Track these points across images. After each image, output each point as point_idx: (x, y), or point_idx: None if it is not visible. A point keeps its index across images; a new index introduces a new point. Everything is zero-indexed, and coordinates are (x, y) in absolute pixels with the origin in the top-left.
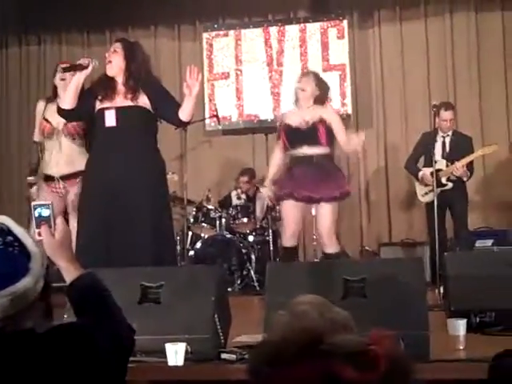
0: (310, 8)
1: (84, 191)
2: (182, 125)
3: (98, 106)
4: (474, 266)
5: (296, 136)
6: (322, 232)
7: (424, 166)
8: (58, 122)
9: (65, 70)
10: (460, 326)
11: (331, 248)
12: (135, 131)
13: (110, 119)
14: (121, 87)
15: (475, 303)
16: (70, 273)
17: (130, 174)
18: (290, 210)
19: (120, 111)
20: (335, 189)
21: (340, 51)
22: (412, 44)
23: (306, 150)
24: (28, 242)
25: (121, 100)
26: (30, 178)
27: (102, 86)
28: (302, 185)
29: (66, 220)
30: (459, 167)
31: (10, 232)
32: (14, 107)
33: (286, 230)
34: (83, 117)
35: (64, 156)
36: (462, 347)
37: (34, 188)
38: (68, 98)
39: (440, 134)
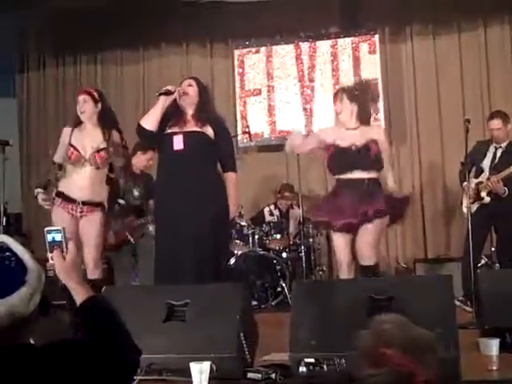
0: (341, 24)
1: (156, 208)
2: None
3: (167, 130)
4: (508, 283)
5: (345, 160)
6: (362, 247)
7: (474, 177)
8: (85, 150)
9: (159, 95)
10: (493, 346)
11: (368, 260)
12: (201, 154)
13: (178, 143)
14: (189, 118)
15: (510, 321)
16: (79, 294)
17: (197, 194)
18: (339, 243)
19: (187, 135)
20: (373, 207)
21: (372, 66)
22: (445, 58)
23: (357, 175)
24: (25, 258)
25: (190, 126)
26: (40, 190)
27: (172, 114)
28: (340, 211)
29: None
30: (494, 182)
31: (8, 249)
32: (52, 126)
33: (341, 265)
34: (157, 140)
35: (87, 183)
36: (495, 367)
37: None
38: (151, 120)
39: (494, 144)
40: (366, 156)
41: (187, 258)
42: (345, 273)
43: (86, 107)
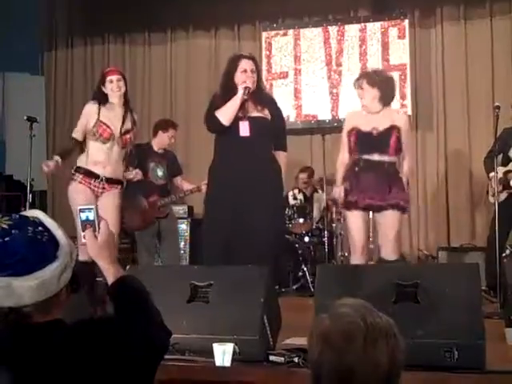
0: (370, 7)
1: (210, 192)
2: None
3: None
4: None
5: (366, 142)
6: (387, 243)
7: (501, 165)
8: (116, 129)
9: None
10: None
11: (392, 255)
12: (264, 139)
13: (244, 129)
14: (249, 101)
15: None
16: (110, 274)
17: (259, 178)
18: (356, 225)
19: (252, 121)
20: (400, 198)
21: (401, 51)
22: (476, 43)
23: (376, 157)
24: (57, 233)
25: (251, 111)
26: (58, 158)
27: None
28: (366, 192)
29: None
30: None
31: (41, 224)
32: (78, 105)
33: (355, 249)
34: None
35: (112, 161)
36: None
37: (51, 163)
38: (229, 116)
39: None
40: (387, 142)
41: (245, 241)
42: (358, 257)
43: (123, 86)
